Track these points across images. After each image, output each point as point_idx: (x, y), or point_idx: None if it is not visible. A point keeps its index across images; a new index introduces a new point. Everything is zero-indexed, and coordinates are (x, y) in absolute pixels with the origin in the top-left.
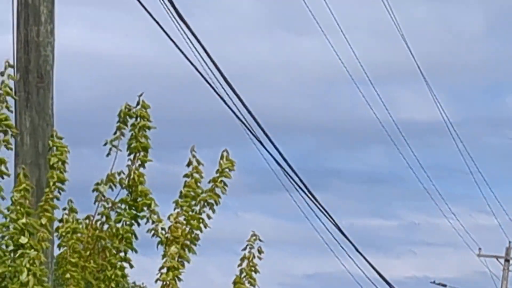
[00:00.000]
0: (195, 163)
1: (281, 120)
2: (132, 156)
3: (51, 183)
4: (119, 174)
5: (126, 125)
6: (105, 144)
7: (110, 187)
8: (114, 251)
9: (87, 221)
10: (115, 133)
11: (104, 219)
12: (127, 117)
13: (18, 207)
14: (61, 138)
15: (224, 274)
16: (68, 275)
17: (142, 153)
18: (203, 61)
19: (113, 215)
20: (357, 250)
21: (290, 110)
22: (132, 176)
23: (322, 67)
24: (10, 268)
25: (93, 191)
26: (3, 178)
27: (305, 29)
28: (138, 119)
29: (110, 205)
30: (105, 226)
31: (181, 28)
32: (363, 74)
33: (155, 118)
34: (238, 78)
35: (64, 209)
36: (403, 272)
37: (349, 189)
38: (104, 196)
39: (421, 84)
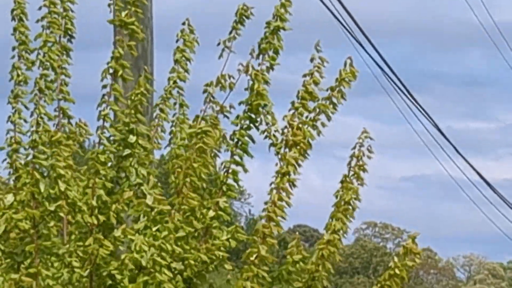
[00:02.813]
0: (318, 60)
1: (380, 23)
2: (260, 58)
3: (171, 81)
4: (229, 77)
5: (243, 25)
6: (218, 44)
7: (220, 89)
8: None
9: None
10: (230, 33)
11: (211, 120)
12: (243, 17)
13: (132, 111)
14: (192, 32)
15: (323, 177)
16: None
17: (271, 55)
18: None
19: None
20: (457, 151)
21: (388, 13)
22: (253, 76)
23: None
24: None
25: (203, 92)
26: (126, 82)
27: None
28: (276, 18)
29: (218, 108)
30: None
31: None
32: None
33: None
34: None
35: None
36: (502, 174)
37: (448, 91)
38: (213, 97)
39: None
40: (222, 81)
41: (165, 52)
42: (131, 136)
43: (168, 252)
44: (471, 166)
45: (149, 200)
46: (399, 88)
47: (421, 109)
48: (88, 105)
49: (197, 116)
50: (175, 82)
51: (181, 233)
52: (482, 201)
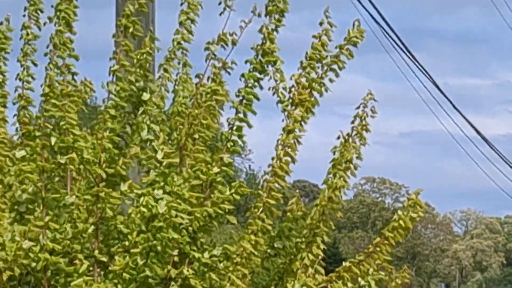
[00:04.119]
0: (326, 25)
1: None
2: (267, 19)
3: (175, 42)
4: (231, 34)
5: None
6: (220, 3)
7: (222, 46)
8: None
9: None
10: None
11: (213, 76)
12: None
13: (139, 70)
14: None
15: (322, 133)
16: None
17: (277, 17)
18: None
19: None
20: (455, 107)
21: None
22: (264, 34)
23: None
24: (129, 127)
25: (204, 49)
26: (135, 39)
27: None
28: None
29: (220, 64)
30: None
31: None
32: None
33: None
34: None
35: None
36: (498, 130)
37: (444, 49)
38: (214, 55)
39: None
40: (224, 38)
41: (165, 10)
42: (144, 94)
43: (183, 199)
44: (468, 122)
45: (159, 155)
46: (398, 45)
47: (419, 66)
48: (83, 62)
49: (199, 75)
50: (179, 43)
51: (195, 181)
52: (479, 157)
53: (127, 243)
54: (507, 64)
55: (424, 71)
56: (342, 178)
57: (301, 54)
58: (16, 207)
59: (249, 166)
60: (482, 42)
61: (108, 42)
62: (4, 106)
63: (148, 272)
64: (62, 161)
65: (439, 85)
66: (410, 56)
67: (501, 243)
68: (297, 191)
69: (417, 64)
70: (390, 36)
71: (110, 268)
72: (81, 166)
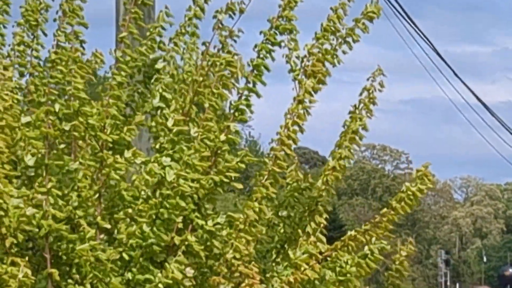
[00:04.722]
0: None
1: None
2: None
3: (187, 18)
4: (239, 3)
5: None
6: None
7: (230, 16)
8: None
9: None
10: None
11: (220, 46)
12: None
13: (150, 42)
14: None
15: (322, 99)
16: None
17: None
18: None
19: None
20: (456, 74)
21: None
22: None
23: None
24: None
25: (213, 17)
26: (145, 5)
27: None
28: None
29: (227, 33)
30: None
31: None
32: None
33: None
34: None
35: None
36: (498, 97)
37: (444, 16)
38: (222, 24)
39: None
40: (232, 7)
41: None
42: (159, 62)
43: (192, 167)
44: (469, 89)
45: (169, 123)
46: (398, 12)
47: (420, 33)
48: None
49: (206, 43)
50: (190, 19)
51: (205, 153)
52: (480, 124)
53: (130, 210)
54: (507, 31)
55: (425, 39)
56: (347, 149)
57: (311, 24)
58: (24, 171)
59: (249, 132)
60: (482, 9)
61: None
62: (22, 75)
63: (153, 239)
64: (67, 128)
65: (440, 53)
66: (412, 23)
67: (501, 210)
68: (295, 157)
69: (418, 31)
70: (390, 3)
71: (116, 236)
72: (86, 133)
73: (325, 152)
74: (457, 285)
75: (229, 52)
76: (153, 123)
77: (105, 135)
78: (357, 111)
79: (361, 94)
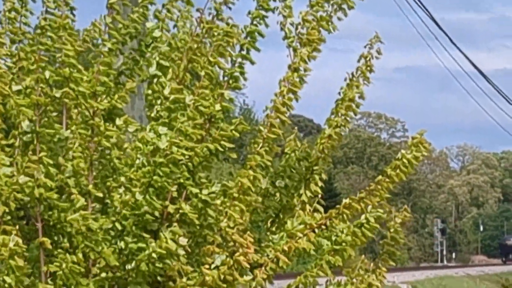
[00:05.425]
0: None
1: None
2: None
3: None
4: None
5: None
6: None
7: None
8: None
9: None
10: None
11: (215, 13)
12: None
13: (142, 10)
14: None
15: (315, 67)
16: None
17: None
18: None
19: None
20: (452, 42)
21: None
22: None
23: None
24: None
25: None
26: None
27: None
28: None
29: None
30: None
31: None
32: None
33: None
34: None
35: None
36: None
37: None
38: None
39: None
40: None
41: None
42: (156, 31)
43: (186, 135)
44: (466, 56)
45: (166, 91)
46: None
47: (417, 1)
48: None
49: (200, 9)
50: None
51: (199, 120)
52: (476, 92)
53: (123, 178)
54: None
55: (422, 6)
56: (343, 117)
57: None
58: (21, 136)
59: (244, 100)
60: None
61: None
62: (13, 42)
63: (146, 208)
64: (58, 95)
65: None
66: None
67: (498, 178)
68: (295, 128)
69: None
70: None
71: (109, 205)
72: (77, 101)
73: (319, 119)
74: (453, 254)
75: (227, 23)
76: (149, 91)
77: (96, 103)
78: (354, 79)
79: (358, 61)
